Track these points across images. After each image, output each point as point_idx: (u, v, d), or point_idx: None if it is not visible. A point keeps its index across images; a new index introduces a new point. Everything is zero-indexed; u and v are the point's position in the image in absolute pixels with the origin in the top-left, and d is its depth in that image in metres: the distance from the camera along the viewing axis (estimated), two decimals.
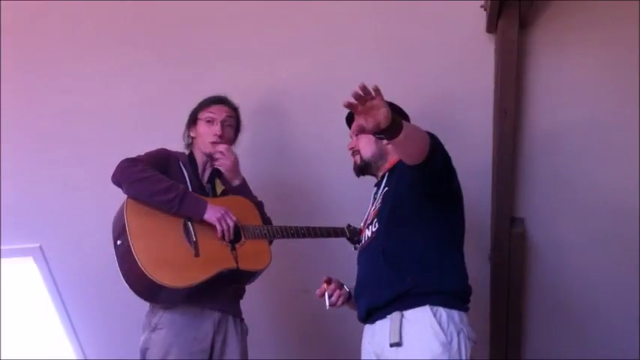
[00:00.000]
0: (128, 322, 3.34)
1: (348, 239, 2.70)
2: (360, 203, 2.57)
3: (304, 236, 2.62)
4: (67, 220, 3.21)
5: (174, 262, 2.36)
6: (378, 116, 1.86)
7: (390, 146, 2.38)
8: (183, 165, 2.58)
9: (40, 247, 3.26)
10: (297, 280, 3.18)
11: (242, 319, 2.63)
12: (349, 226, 2.72)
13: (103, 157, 3.04)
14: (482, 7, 2.63)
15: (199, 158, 2.64)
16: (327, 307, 2.34)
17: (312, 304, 3.32)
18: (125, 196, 2.44)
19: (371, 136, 2.38)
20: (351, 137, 2.53)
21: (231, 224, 2.44)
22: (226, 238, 2.44)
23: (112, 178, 2.44)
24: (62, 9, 2.76)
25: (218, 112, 2.62)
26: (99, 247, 3.17)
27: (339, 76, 2.87)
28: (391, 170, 2.41)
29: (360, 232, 2.54)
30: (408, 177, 2.16)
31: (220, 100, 2.66)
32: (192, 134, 2.66)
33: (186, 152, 2.67)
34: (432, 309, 2.09)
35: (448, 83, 2.83)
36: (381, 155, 2.46)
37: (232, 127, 2.66)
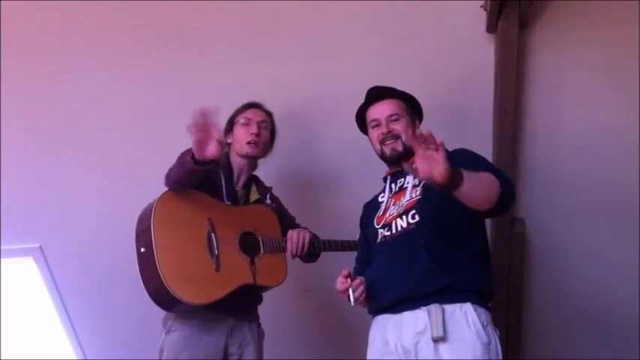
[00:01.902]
0: (128, 322, 3.36)
1: None
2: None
3: (321, 250, 2.66)
4: (67, 220, 3.21)
5: (196, 277, 2.39)
6: (434, 171, 1.83)
7: None
8: (222, 169, 2.58)
9: (40, 247, 3.25)
10: (296, 280, 3.18)
11: (259, 324, 2.66)
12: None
13: (103, 158, 3.07)
14: (482, 7, 2.63)
15: (235, 164, 2.65)
16: (353, 304, 2.13)
17: (312, 304, 3.35)
18: (150, 200, 2.45)
19: (409, 122, 2.33)
20: (376, 123, 2.35)
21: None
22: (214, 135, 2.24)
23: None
24: (63, 9, 2.76)
25: (254, 115, 2.66)
26: (99, 247, 3.19)
27: (339, 76, 2.88)
28: None
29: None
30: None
31: (255, 105, 2.71)
32: (228, 140, 2.67)
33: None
34: (474, 307, 2.05)
35: (448, 83, 2.82)
36: None
37: (268, 129, 2.69)
